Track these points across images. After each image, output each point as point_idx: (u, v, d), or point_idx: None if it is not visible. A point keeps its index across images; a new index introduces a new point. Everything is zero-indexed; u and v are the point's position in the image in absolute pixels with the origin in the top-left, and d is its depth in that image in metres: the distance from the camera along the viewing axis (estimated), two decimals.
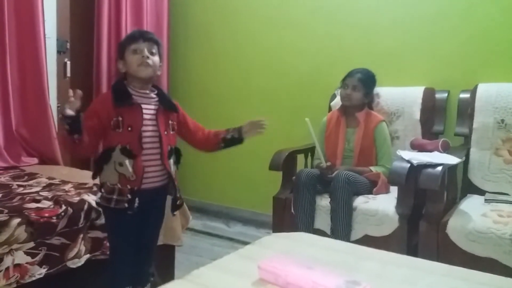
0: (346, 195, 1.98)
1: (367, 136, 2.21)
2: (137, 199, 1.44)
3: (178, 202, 1.58)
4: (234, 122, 3.29)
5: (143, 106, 1.45)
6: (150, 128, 1.46)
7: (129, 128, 1.42)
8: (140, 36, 1.47)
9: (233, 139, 1.62)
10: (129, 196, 1.43)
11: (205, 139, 1.64)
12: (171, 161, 1.53)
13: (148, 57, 1.45)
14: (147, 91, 1.50)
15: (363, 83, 2.22)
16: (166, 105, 1.52)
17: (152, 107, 1.48)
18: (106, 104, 1.42)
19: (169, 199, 1.58)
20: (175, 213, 1.63)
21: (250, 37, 3.18)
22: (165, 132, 1.49)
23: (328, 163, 2.15)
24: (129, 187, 1.43)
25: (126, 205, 1.43)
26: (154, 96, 1.51)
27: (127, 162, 1.42)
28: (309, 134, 2.13)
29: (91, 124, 1.39)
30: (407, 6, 2.57)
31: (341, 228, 1.97)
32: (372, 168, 2.17)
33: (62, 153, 2.66)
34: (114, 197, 1.44)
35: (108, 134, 1.43)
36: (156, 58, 1.49)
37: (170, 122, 1.53)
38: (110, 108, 1.41)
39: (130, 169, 1.42)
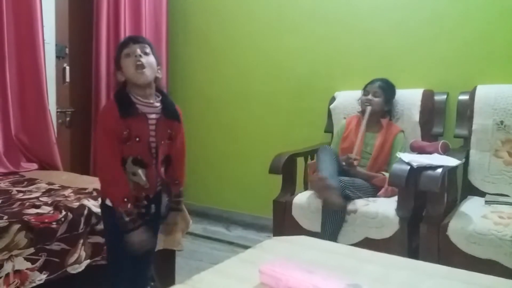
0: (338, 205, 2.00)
1: (386, 142, 2.28)
2: (153, 205, 1.48)
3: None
4: (234, 126, 3.34)
5: (148, 116, 1.44)
6: (153, 139, 1.46)
7: (137, 139, 1.42)
8: (129, 40, 1.47)
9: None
10: (145, 202, 1.47)
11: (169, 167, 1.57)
12: (162, 169, 1.53)
13: (141, 56, 1.42)
14: (151, 100, 1.46)
15: (383, 89, 2.33)
16: (168, 115, 1.49)
17: (154, 116, 1.46)
18: (114, 117, 1.39)
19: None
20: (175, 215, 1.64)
21: (249, 41, 3.19)
22: (162, 142, 1.49)
23: (356, 158, 2.19)
24: (144, 194, 1.46)
25: (144, 210, 1.46)
26: (158, 104, 1.48)
27: (140, 171, 1.44)
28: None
29: (117, 147, 1.40)
30: (405, 9, 2.58)
31: (329, 229, 1.99)
32: (384, 173, 2.20)
33: (62, 158, 2.67)
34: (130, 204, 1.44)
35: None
36: (151, 58, 1.45)
37: (168, 131, 1.51)
38: (118, 120, 1.39)
39: (144, 178, 1.44)
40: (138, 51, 1.43)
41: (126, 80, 1.46)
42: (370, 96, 2.33)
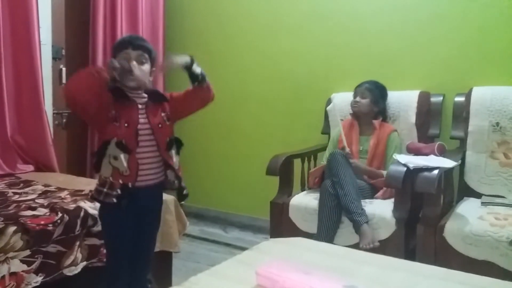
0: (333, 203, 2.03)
1: (380, 143, 2.29)
2: (128, 195, 1.41)
3: (184, 192, 1.59)
4: (231, 127, 3.33)
5: (137, 102, 1.46)
6: (145, 126, 1.45)
7: (126, 124, 1.42)
8: (129, 43, 1.46)
9: (192, 76, 1.63)
10: (119, 191, 1.40)
11: (191, 97, 1.64)
12: (173, 151, 1.52)
13: (134, 66, 1.43)
14: (140, 91, 1.50)
15: (370, 91, 2.36)
16: (155, 98, 1.52)
17: (143, 103, 1.48)
18: (107, 90, 1.40)
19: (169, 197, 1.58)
20: (182, 202, 1.63)
21: (247, 42, 3.19)
22: (159, 125, 1.48)
23: (348, 150, 2.20)
24: (121, 181, 1.41)
25: (114, 200, 1.40)
26: (145, 95, 1.51)
27: (122, 156, 1.40)
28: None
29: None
30: (402, 11, 2.59)
31: (325, 230, 2.00)
32: (384, 172, 2.20)
33: (58, 160, 2.66)
34: (104, 190, 1.41)
35: (104, 126, 1.42)
36: (145, 67, 1.47)
37: (162, 114, 1.51)
38: (110, 97, 1.40)
39: (125, 164, 1.40)
40: (134, 63, 1.44)
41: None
42: (357, 98, 2.38)
